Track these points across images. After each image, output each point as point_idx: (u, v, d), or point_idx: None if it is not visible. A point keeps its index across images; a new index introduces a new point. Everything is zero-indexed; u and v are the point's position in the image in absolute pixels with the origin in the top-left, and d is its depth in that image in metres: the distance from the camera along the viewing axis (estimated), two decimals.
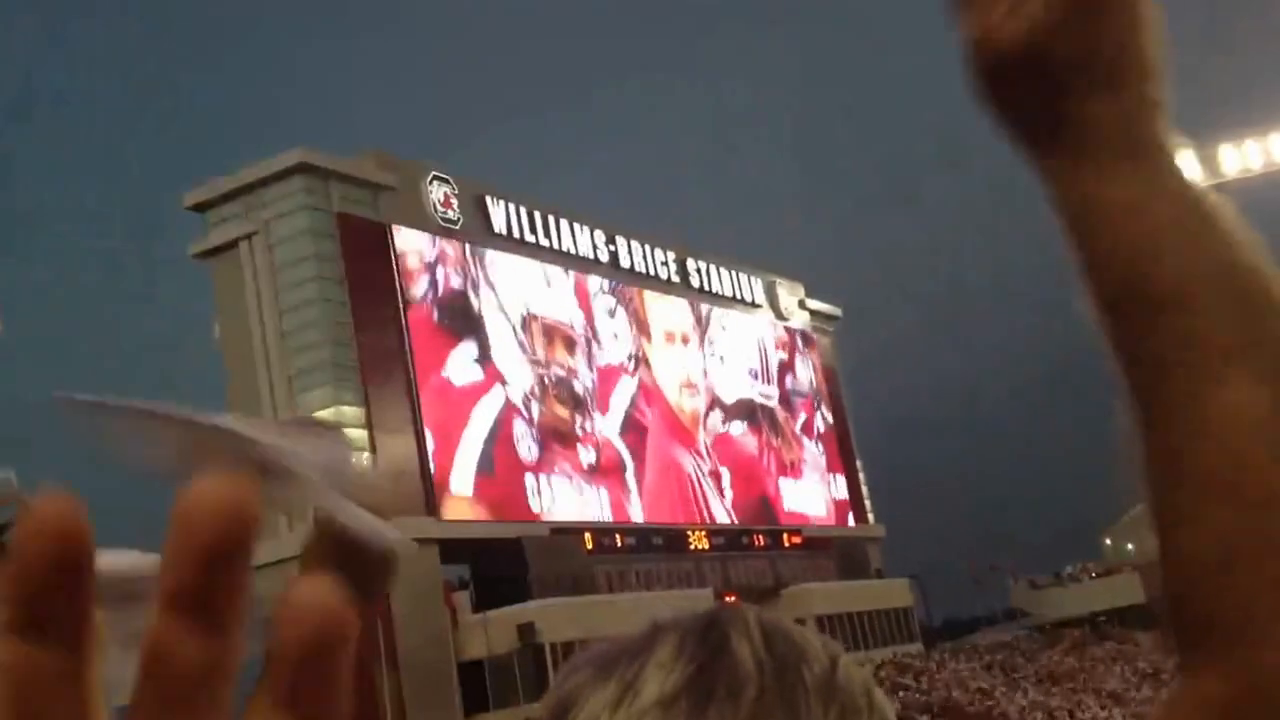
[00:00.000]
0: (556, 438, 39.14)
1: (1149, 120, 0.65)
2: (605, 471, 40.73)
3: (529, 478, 37.60)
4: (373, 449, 33.70)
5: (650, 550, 39.86)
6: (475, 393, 37.12)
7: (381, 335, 34.88)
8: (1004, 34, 0.64)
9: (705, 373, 46.98)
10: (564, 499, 38.53)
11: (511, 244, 40.14)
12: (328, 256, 34.92)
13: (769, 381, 50.11)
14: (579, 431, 40.37)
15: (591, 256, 43.26)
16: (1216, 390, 0.61)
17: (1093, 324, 0.65)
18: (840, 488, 51.84)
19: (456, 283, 37.82)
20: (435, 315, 36.80)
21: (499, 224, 40.00)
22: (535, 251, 40.95)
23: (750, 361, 49.60)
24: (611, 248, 44.26)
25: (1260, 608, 0.60)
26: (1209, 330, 0.62)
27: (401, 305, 35.84)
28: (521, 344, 39.43)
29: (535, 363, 39.69)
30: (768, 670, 0.64)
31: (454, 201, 38.57)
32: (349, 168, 36.16)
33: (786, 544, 45.80)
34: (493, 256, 39.31)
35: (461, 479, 35.64)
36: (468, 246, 38.55)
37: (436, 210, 37.96)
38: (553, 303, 41.21)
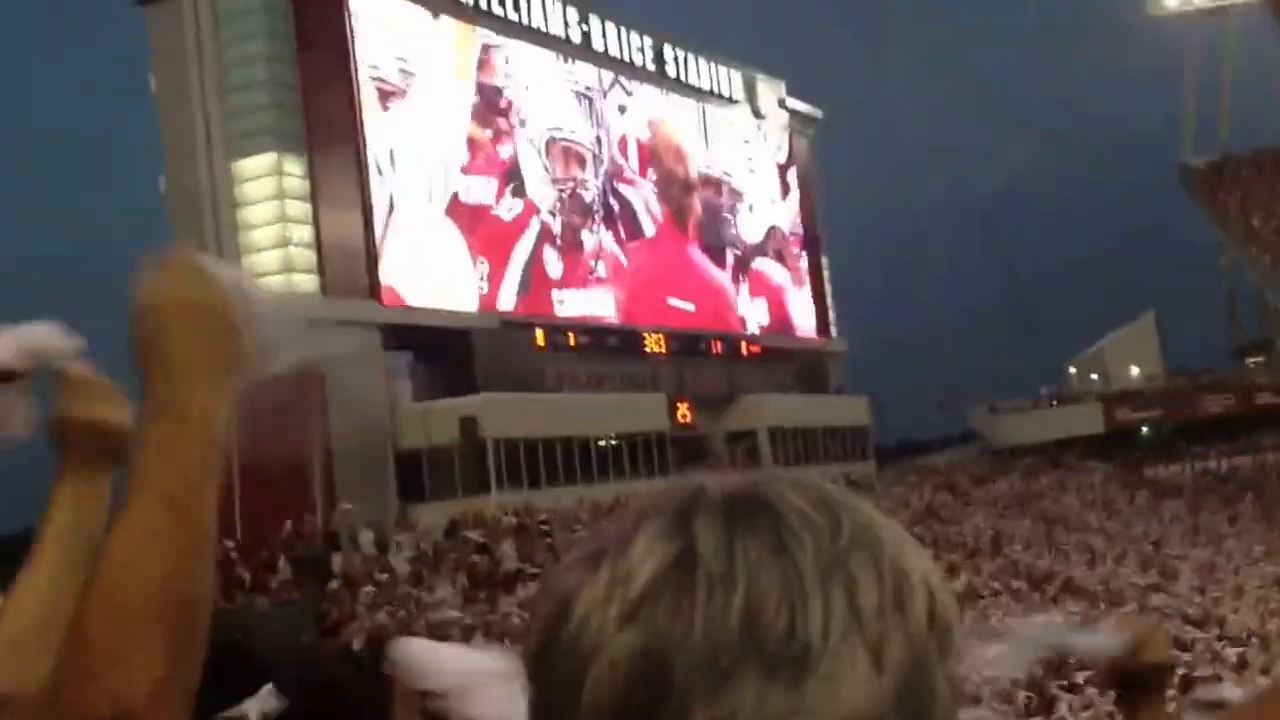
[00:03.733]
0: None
1: None
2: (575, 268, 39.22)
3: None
4: (315, 223, 31.94)
5: (604, 351, 38.66)
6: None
7: (332, 102, 32.57)
8: None
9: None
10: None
11: (476, 15, 37.30)
12: (277, 10, 32.30)
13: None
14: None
15: (563, 35, 40.45)
16: None
17: None
18: (806, 299, 50.60)
19: (414, 54, 35.18)
20: (388, 87, 34.35)
21: None
22: (503, 26, 38.15)
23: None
24: (585, 27, 41.36)
25: None
26: None
27: (355, 72, 33.35)
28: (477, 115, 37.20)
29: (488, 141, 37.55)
30: (756, 549, 0.62)
31: None
32: None
33: (744, 353, 44.79)
34: (454, 30, 36.60)
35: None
36: (431, 14, 35.75)
37: None
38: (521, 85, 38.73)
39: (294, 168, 32.07)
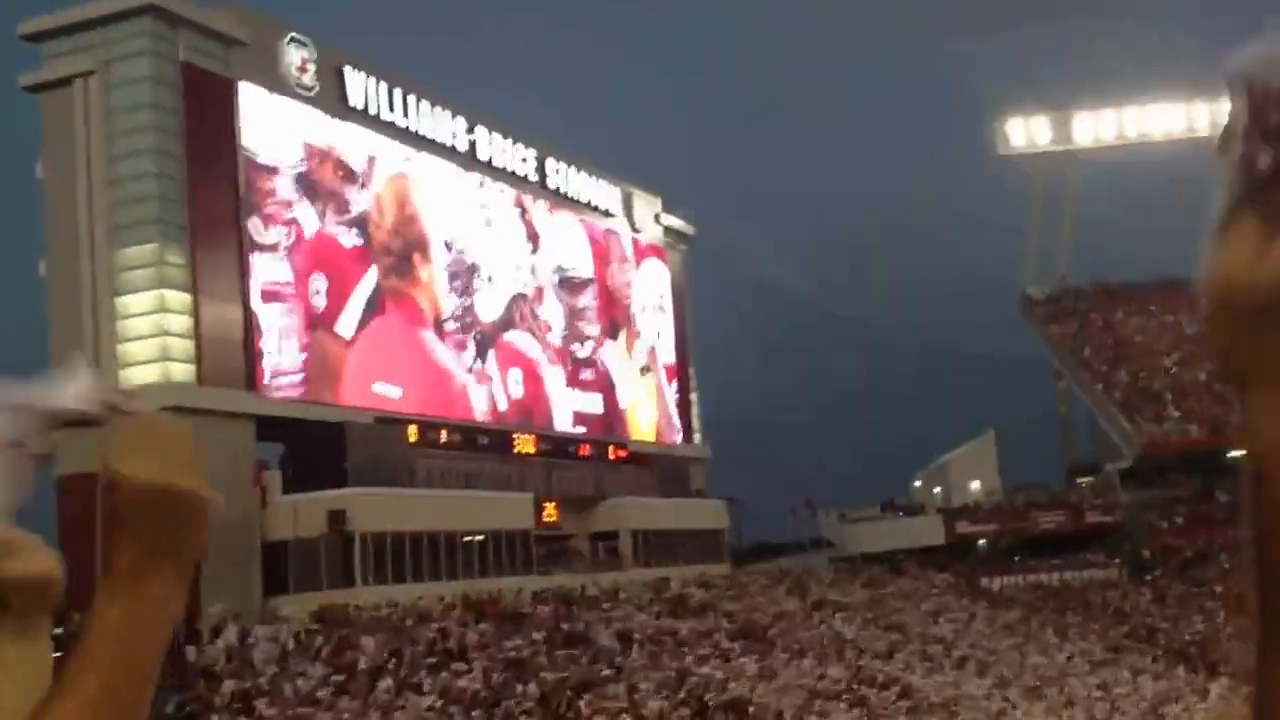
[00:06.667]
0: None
1: None
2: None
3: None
4: (195, 314, 32.40)
5: (475, 449, 39.63)
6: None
7: (217, 197, 33.33)
8: (1253, 279, 0.68)
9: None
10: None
11: (366, 120, 38.66)
12: (167, 107, 33.04)
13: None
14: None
15: (450, 144, 42.03)
16: None
17: (1253, 563, 0.69)
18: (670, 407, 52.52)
19: (302, 155, 36.25)
20: (279, 185, 35.28)
21: (355, 98, 38.41)
22: (389, 131, 39.52)
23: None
24: (471, 137, 43.07)
25: None
26: None
27: (241, 169, 34.23)
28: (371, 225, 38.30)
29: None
30: None
31: (310, 67, 36.79)
32: (202, 17, 34.09)
33: (612, 456, 46.24)
34: (349, 134, 37.82)
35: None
36: (322, 117, 36.92)
37: (291, 75, 36.22)
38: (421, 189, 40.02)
39: (175, 257, 32.53)
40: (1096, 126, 63.03)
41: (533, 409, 44.35)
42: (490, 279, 43.12)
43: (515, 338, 44.23)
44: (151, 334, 32.37)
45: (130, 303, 32.50)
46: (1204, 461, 53.75)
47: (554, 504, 41.66)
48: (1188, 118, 61.84)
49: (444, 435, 38.49)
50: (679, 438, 52.40)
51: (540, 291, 46.06)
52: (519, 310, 44.63)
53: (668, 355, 52.78)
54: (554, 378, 46.01)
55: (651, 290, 52.56)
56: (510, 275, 44.39)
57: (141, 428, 1.13)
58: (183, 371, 32.10)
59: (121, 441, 1.10)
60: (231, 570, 30.12)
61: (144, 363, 31.94)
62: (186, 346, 32.27)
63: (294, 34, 36.71)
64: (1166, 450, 54.10)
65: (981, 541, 53.49)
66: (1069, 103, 64.01)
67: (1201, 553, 51.09)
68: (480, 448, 39.88)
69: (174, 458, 1.10)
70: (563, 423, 45.68)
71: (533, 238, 45.89)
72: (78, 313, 32.38)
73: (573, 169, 48.31)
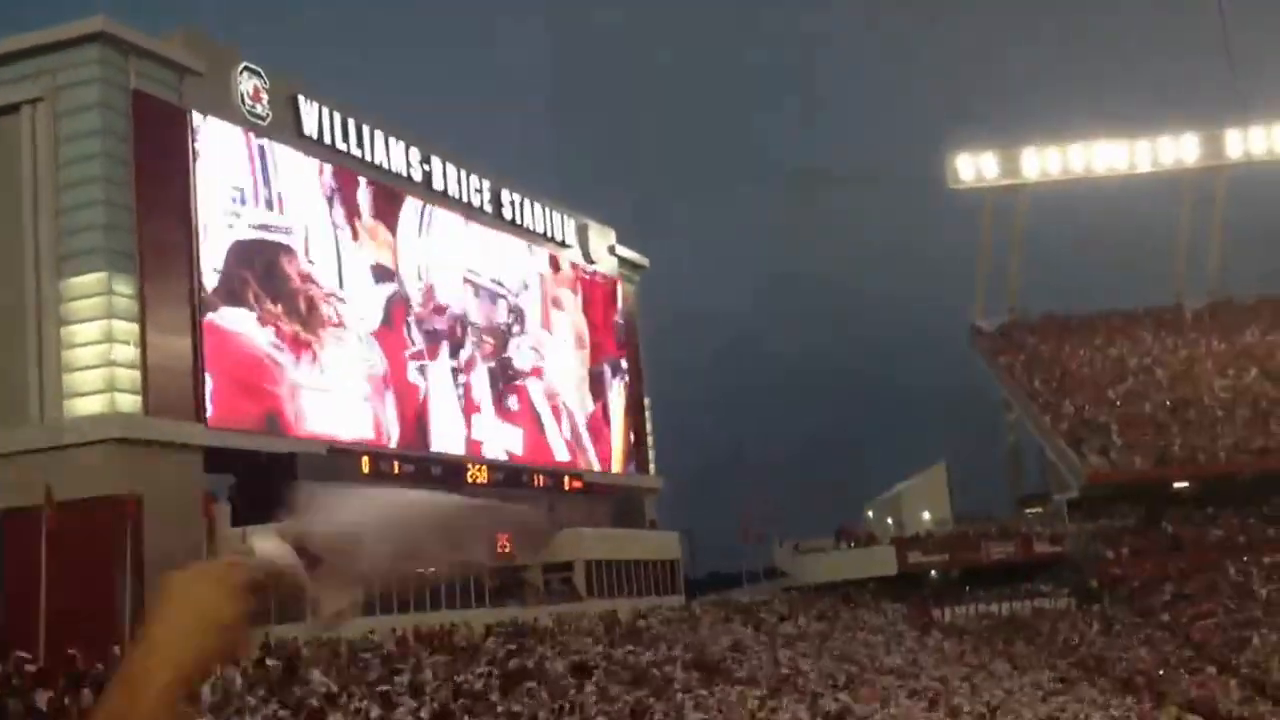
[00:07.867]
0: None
1: None
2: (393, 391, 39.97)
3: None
4: (143, 345, 31.98)
5: (428, 480, 39.35)
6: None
7: (167, 226, 32.99)
8: None
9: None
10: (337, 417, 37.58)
11: (320, 149, 38.50)
12: (118, 135, 32.70)
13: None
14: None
15: (404, 174, 41.95)
16: None
17: None
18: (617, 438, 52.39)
19: (257, 187, 36.01)
20: (233, 216, 35.00)
21: (310, 126, 38.26)
22: (344, 160, 39.39)
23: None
24: (426, 167, 43.00)
25: None
26: None
27: (193, 198, 33.92)
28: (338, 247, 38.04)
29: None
30: None
31: (264, 96, 36.62)
32: (154, 44, 33.87)
33: (566, 487, 46.06)
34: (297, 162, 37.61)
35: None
36: (274, 147, 36.70)
37: (244, 103, 36.03)
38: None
39: (124, 287, 32.12)
40: (1043, 162, 64.13)
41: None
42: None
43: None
44: (97, 364, 31.89)
45: (76, 332, 32.02)
46: (1149, 492, 54.57)
47: (506, 535, 41.30)
48: (1130, 154, 63.16)
49: (396, 466, 38.23)
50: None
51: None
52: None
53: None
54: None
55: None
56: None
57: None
58: (129, 402, 31.63)
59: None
60: None
61: (90, 393, 31.48)
62: (133, 377, 31.81)
63: (247, 63, 36.54)
64: (1112, 481, 54.78)
65: (933, 572, 53.77)
66: (1017, 139, 65.12)
67: (1147, 583, 51.67)
68: (433, 478, 39.62)
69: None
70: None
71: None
72: (23, 342, 31.88)
73: (527, 200, 48.30)
